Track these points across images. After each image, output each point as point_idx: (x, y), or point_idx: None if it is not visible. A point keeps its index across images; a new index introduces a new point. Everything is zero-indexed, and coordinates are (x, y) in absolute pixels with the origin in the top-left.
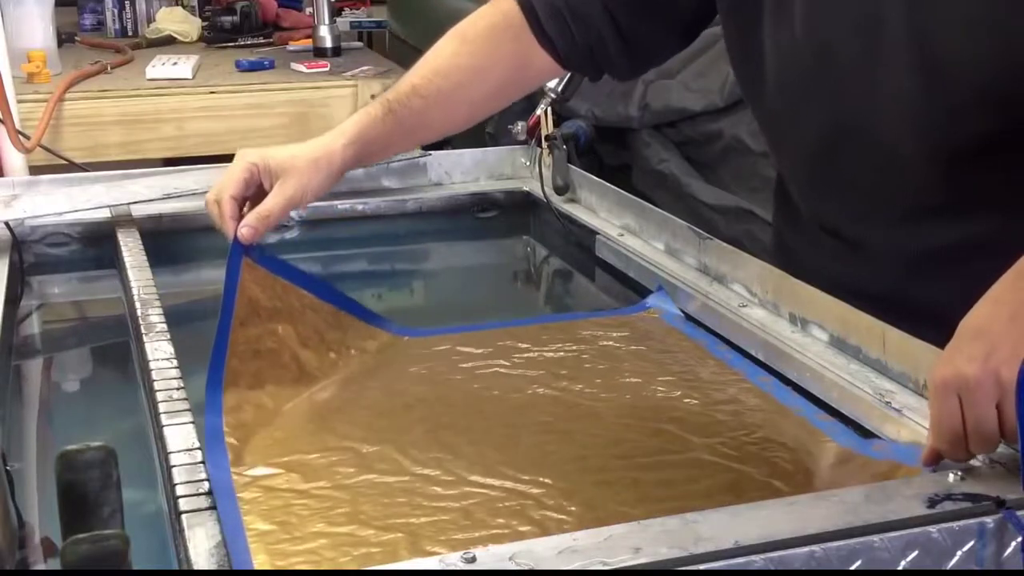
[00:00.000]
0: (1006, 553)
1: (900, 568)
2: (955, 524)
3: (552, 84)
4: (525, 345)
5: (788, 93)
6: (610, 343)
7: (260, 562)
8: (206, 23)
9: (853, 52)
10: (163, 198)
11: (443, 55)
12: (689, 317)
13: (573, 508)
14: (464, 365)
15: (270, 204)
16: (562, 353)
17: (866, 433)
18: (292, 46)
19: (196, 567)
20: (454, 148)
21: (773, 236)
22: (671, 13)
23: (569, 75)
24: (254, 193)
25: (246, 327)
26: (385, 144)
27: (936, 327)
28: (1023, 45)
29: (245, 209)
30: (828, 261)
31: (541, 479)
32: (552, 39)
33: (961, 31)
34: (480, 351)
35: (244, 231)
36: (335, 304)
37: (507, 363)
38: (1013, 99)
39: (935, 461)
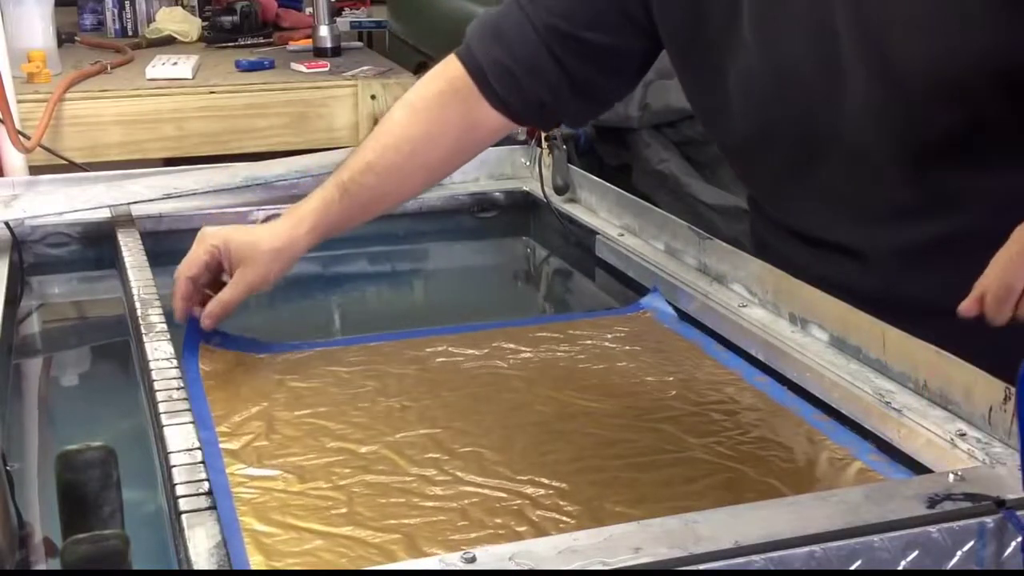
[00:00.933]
0: (1006, 553)
1: (900, 568)
2: (955, 524)
3: None
4: (520, 346)
5: (754, 118)
6: (605, 343)
7: (257, 563)
8: (206, 23)
9: (813, 68)
10: (163, 198)
11: (393, 127)
12: (688, 317)
13: (570, 508)
14: (460, 366)
15: (231, 292)
16: (557, 353)
17: (866, 433)
18: (292, 46)
19: (196, 567)
20: None
21: (753, 242)
22: (619, 60)
23: None
24: (215, 271)
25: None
26: (343, 224)
27: (926, 320)
28: (970, 44)
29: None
30: (811, 263)
31: (538, 479)
32: (503, 98)
33: (910, 34)
34: (474, 351)
35: (206, 321)
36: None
37: (503, 364)
38: (972, 96)
39: (976, 310)
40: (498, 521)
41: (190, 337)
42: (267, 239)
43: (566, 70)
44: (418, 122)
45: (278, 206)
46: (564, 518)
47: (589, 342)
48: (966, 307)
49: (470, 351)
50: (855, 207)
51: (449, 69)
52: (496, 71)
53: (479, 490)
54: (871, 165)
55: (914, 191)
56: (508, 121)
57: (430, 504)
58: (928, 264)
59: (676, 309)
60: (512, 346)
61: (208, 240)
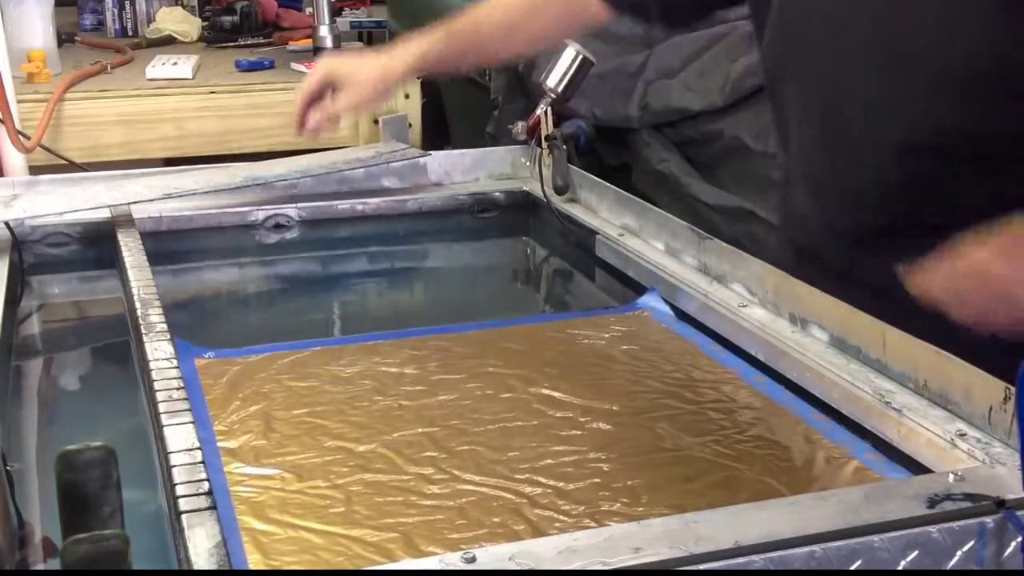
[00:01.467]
0: (1006, 553)
1: (900, 568)
2: (955, 524)
3: (552, 84)
4: (517, 345)
5: (770, 83)
6: (602, 343)
7: (255, 561)
8: (206, 23)
9: (819, 51)
10: (163, 198)
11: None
12: (688, 317)
13: (568, 507)
14: (457, 365)
15: (333, 106)
16: (554, 352)
17: (865, 433)
18: (292, 46)
19: (196, 567)
20: (454, 148)
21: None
22: None
23: (571, 75)
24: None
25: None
26: (440, 64)
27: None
28: (980, 45)
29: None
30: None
31: (535, 478)
32: None
33: (932, 30)
34: (471, 351)
35: (312, 125)
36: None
37: (500, 363)
38: (976, 96)
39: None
40: (496, 520)
41: (184, 352)
42: (371, 68)
43: None
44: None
45: (278, 206)
46: (562, 517)
47: (586, 341)
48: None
49: (467, 350)
50: (840, 189)
51: None
52: None
53: (477, 489)
54: (861, 150)
55: (895, 179)
56: (606, 9)
57: (428, 503)
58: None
59: (676, 309)
60: (509, 345)
61: (320, 70)
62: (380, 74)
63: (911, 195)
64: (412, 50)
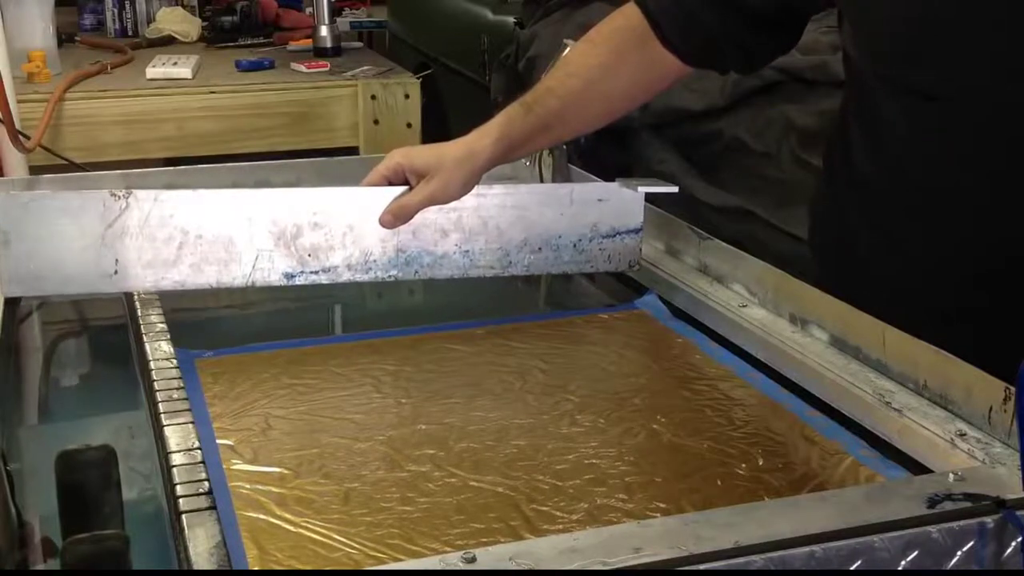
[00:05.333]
0: (1006, 553)
1: (900, 568)
2: (955, 524)
3: None
4: (515, 343)
5: (889, 74)
6: (599, 341)
7: (253, 557)
8: (206, 23)
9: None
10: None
11: (573, 58)
12: (688, 317)
13: (564, 503)
14: (455, 363)
15: (411, 197)
16: (552, 350)
17: (864, 433)
18: (292, 46)
19: (196, 567)
20: None
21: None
22: (772, 24)
23: None
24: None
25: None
26: (526, 140)
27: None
28: None
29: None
30: None
31: (533, 475)
32: (672, 42)
33: None
34: (469, 349)
35: (386, 217)
36: None
37: (498, 360)
38: None
39: None
40: (492, 515)
41: (183, 354)
42: (450, 151)
43: (725, 24)
44: (597, 54)
45: None
46: (559, 513)
47: (584, 339)
48: None
49: (466, 348)
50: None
51: (627, 10)
52: (668, 17)
53: (474, 485)
54: None
55: None
56: (682, 65)
57: (426, 500)
58: None
59: (676, 309)
60: (507, 343)
61: (394, 157)
62: (460, 158)
63: None
64: (491, 130)
